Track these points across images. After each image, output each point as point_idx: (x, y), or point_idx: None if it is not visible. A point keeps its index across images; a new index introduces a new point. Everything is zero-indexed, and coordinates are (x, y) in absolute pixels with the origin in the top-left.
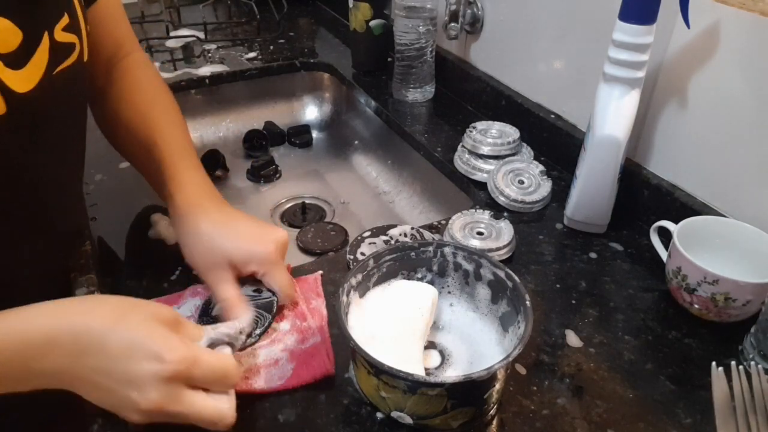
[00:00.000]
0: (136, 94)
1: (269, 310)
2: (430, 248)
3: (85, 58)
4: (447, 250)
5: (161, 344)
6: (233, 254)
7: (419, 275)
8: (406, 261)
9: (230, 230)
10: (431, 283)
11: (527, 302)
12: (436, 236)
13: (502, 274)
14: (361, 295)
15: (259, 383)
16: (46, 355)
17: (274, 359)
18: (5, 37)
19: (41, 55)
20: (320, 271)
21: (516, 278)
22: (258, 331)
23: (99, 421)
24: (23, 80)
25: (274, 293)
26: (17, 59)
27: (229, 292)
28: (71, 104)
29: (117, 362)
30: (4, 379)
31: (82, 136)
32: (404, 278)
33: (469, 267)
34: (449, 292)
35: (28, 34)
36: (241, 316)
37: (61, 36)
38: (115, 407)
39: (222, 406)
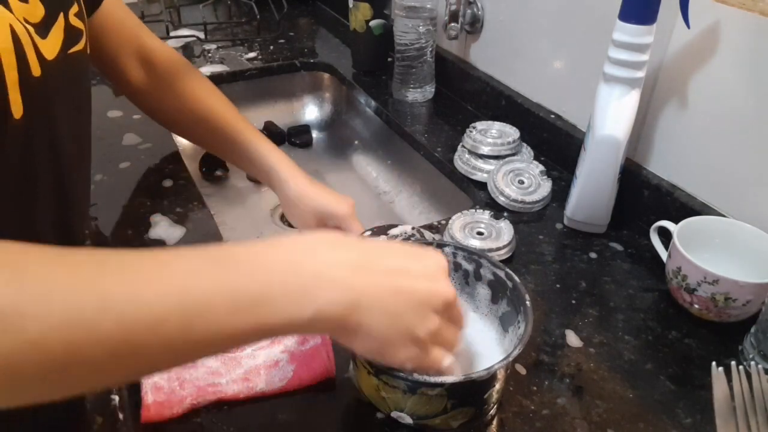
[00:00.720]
0: (203, 95)
1: None
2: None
3: (88, 50)
4: (447, 250)
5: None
6: (323, 210)
7: None
8: None
9: (318, 193)
10: None
11: (527, 302)
12: (437, 236)
13: (502, 274)
14: None
15: (260, 385)
16: (335, 266)
17: (275, 360)
18: (33, 9)
19: (58, 32)
20: None
21: (516, 278)
22: None
23: (99, 421)
24: (50, 49)
25: None
26: (41, 30)
27: None
28: (80, 89)
29: (415, 259)
30: (292, 291)
31: (89, 131)
32: None
33: (469, 267)
34: None
35: (49, 11)
36: None
37: (74, 21)
38: (406, 317)
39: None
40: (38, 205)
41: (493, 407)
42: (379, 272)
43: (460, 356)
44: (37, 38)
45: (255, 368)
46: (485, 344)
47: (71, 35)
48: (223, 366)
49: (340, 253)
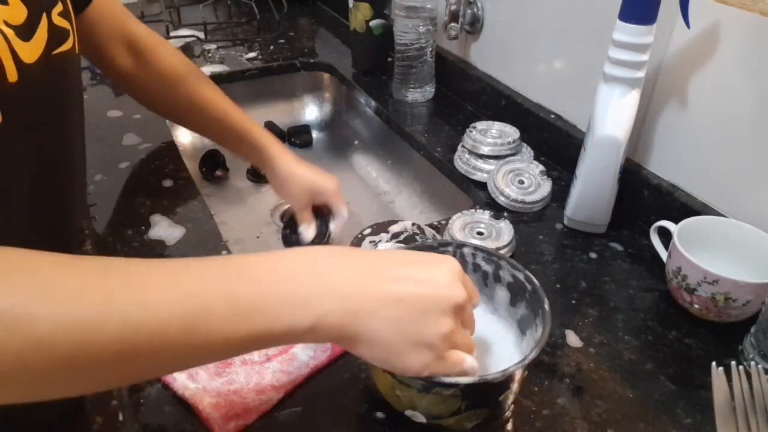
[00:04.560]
0: (183, 74)
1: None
2: (450, 248)
3: (77, 49)
4: (466, 250)
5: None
6: (313, 186)
7: None
8: None
9: (308, 171)
10: None
11: (546, 305)
12: (438, 236)
13: (521, 276)
14: None
15: (312, 363)
16: (335, 272)
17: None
18: (15, 11)
19: (42, 33)
20: None
21: (536, 281)
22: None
23: (99, 421)
24: (30, 52)
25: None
26: (24, 33)
27: (308, 216)
28: (69, 91)
29: (418, 266)
30: (293, 298)
31: (82, 132)
32: None
33: (488, 268)
34: None
35: (31, 12)
36: (310, 225)
37: (58, 20)
38: (415, 325)
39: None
40: (15, 211)
41: (508, 410)
42: (380, 281)
43: (477, 357)
44: (17, 41)
45: (292, 355)
46: (503, 346)
47: (55, 36)
48: (261, 365)
49: (341, 263)
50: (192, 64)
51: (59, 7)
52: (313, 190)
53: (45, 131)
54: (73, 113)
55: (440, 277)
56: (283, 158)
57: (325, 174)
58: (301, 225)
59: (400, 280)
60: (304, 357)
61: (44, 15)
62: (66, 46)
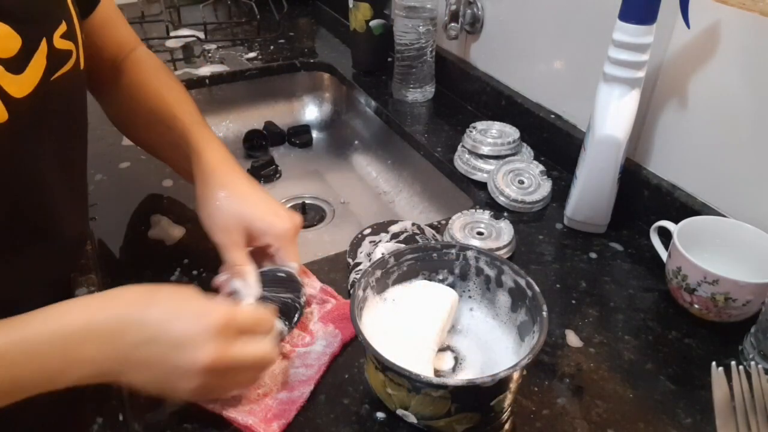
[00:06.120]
0: (148, 78)
1: (297, 298)
2: (453, 251)
3: (82, 65)
4: (469, 253)
5: (202, 303)
6: (253, 221)
7: (440, 277)
8: (428, 262)
9: (253, 198)
10: (452, 285)
11: (544, 313)
12: (438, 236)
13: (522, 282)
14: (379, 292)
15: (328, 351)
16: (84, 342)
17: (318, 330)
18: (5, 42)
19: (39, 61)
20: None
21: (536, 287)
22: (295, 318)
23: (99, 421)
24: (21, 85)
25: (296, 283)
26: (16, 64)
27: (241, 258)
28: (70, 110)
29: (164, 330)
30: (46, 372)
31: (84, 141)
32: (425, 279)
33: (491, 272)
34: (470, 297)
35: (27, 40)
36: (247, 281)
37: (60, 43)
38: (169, 378)
39: (266, 347)
40: (15, 214)
41: (503, 415)
42: (126, 348)
43: (474, 361)
44: (5, 76)
45: (308, 349)
46: (501, 352)
47: (55, 59)
48: (282, 365)
49: (92, 329)
50: (167, 72)
51: (62, 28)
52: (251, 228)
53: (42, 150)
54: (76, 132)
55: (189, 336)
56: (224, 173)
57: (279, 210)
58: (236, 279)
59: (147, 344)
60: (318, 348)
61: (44, 41)
62: (67, 67)
